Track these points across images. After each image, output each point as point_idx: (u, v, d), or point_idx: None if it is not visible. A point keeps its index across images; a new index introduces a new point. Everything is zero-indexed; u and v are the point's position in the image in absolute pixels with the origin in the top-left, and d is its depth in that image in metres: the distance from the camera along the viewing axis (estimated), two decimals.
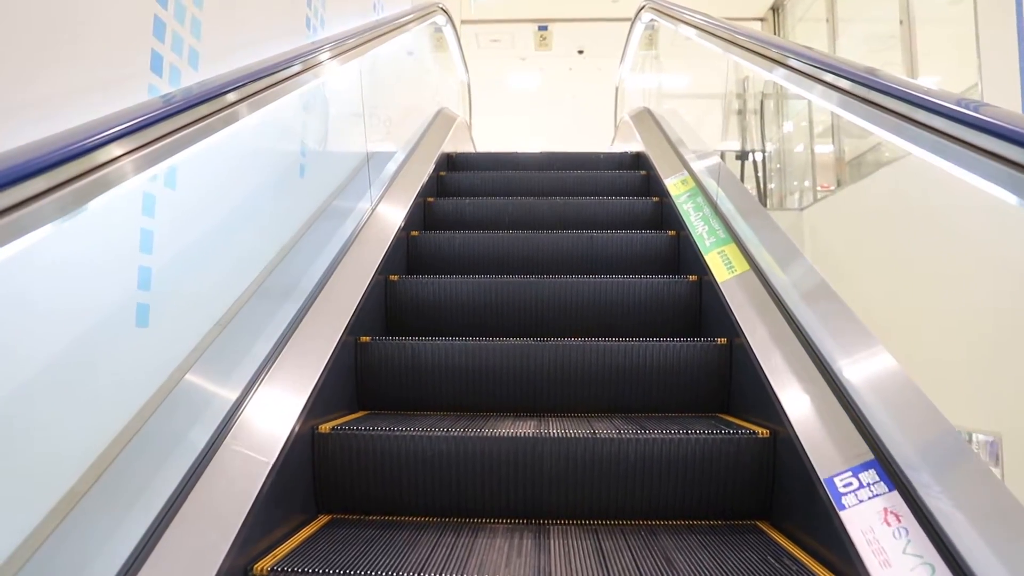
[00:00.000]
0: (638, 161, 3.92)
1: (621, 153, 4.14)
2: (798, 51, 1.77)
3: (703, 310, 2.30)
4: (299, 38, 2.17)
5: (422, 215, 3.11)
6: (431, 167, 3.46)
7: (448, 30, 4.91)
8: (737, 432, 1.56)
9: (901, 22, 4.80)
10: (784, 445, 1.48)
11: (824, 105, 1.62)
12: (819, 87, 1.61)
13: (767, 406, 1.59)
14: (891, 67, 4.78)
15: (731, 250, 2.23)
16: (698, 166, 3.01)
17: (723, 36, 2.44)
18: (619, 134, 5.55)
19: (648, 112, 4.49)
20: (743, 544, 1.38)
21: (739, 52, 2.26)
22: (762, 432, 1.55)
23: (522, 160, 4.11)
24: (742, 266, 2.12)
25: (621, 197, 3.17)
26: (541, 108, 10.93)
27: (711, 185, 2.69)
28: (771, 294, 1.89)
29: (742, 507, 1.55)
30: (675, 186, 2.98)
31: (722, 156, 5.74)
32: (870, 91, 1.37)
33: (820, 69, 1.60)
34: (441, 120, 4.48)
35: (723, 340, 1.96)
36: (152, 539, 1.09)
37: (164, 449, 1.25)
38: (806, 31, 7.31)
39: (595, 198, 3.14)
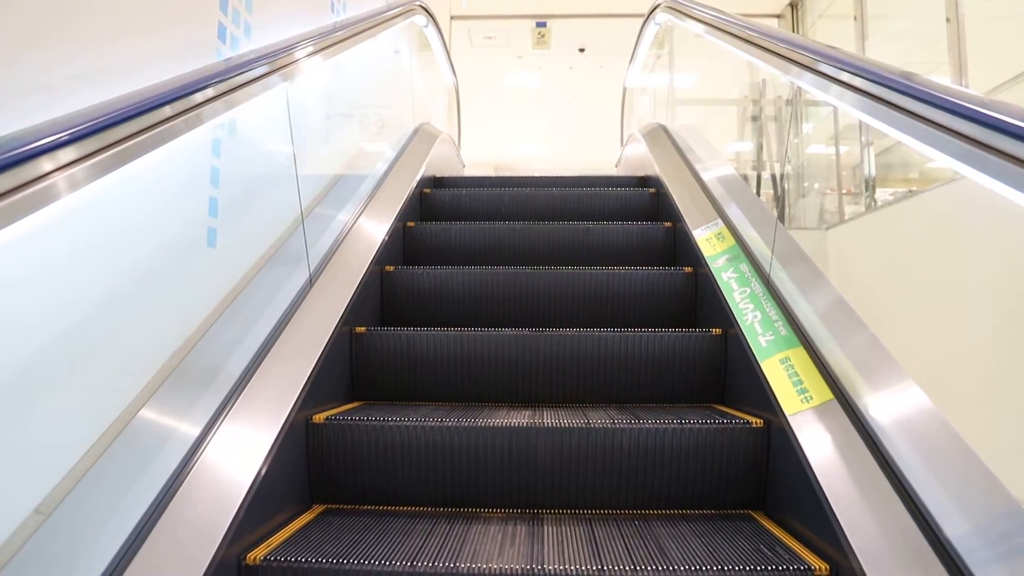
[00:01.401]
0: (664, 219, 2.93)
1: (644, 214, 3.12)
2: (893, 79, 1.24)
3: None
4: (206, 54, 1.64)
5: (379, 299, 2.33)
6: (400, 206, 2.73)
7: (431, 31, 4.36)
8: (731, 422, 1.56)
9: (948, 20, 4.15)
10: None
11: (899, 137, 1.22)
12: (913, 122, 1.16)
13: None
14: (929, 69, 4.36)
15: (799, 358, 1.58)
16: (737, 214, 2.31)
17: (763, 45, 1.91)
18: (627, 154, 4.75)
19: (664, 131, 3.71)
20: (736, 533, 1.38)
21: (796, 70, 1.69)
22: (756, 422, 1.56)
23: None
24: (821, 392, 1.46)
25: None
26: (540, 109, 10.73)
27: (758, 246, 2.04)
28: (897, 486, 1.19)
29: (736, 497, 1.56)
30: (708, 241, 2.29)
31: (748, 180, 5.02)
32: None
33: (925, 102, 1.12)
34: (419, 141, 3.71)
35: (718, 330, 1.96)
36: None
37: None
38: (827, 29, 6.75)
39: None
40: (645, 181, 3.49)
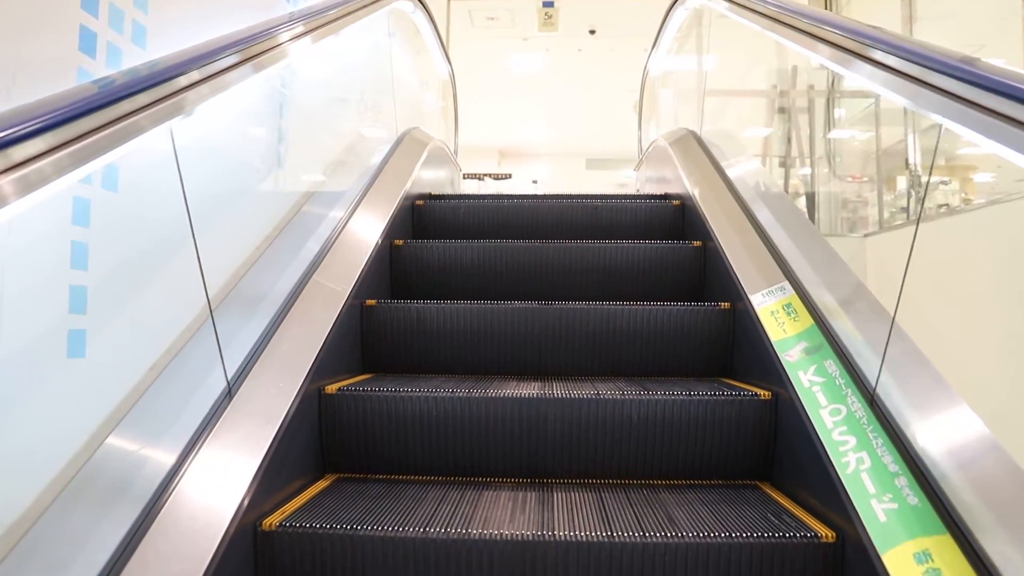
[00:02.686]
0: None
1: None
2: None
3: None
4: (56, 76, 1.12)
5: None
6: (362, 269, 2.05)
7: (420, 17, 3.86)
8: (739, 394, 1.57)
9: None
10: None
11: None
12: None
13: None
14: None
15: (949, 558, 0.99)
16: (806, 271, 1.74)
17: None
18: (648, 167, 4.12)
19: (697, 143, 3.00)
20: (744, 502, 1.40)
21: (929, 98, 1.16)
22: (764, 394, 1.57)
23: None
24: None
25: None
26: (547, 94, 10.58)
27: (845, 329, 1.48)
28: None
29: (743, 468, 1.57)
30: (774, 317, 1.66)
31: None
32: None
33: None
34: (403, 154, 3.04)
35: (726, 304, 1.97)
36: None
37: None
38: (864, 9, 6.17)
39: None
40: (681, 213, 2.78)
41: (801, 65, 4.76)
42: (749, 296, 1.81)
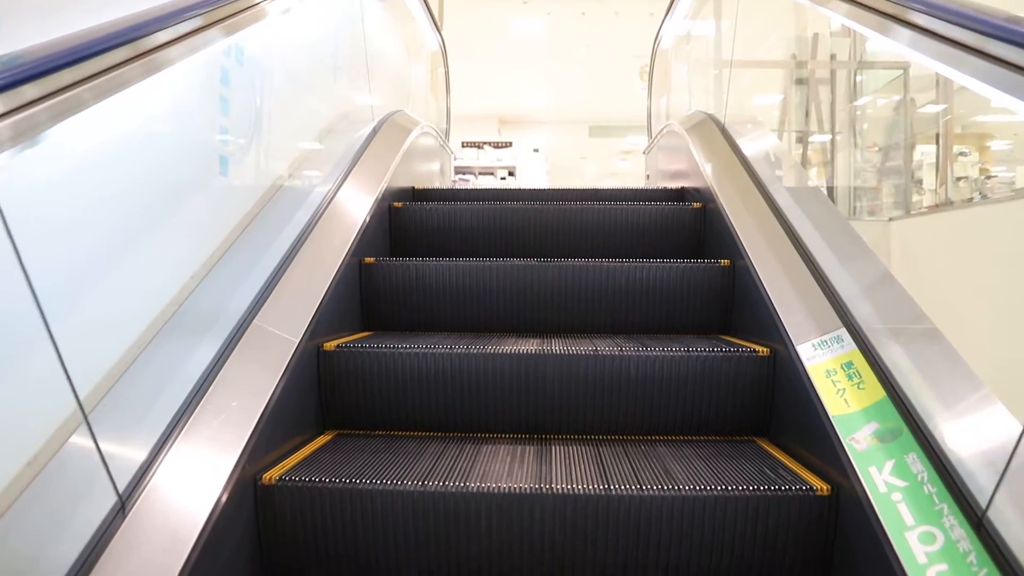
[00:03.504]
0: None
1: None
2: None
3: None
4: None
5: None
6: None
7: None
8: (737, 350, 1.57)
9: None
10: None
11: None
12: None
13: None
14: None
15: None
16: (870, 319, 1.32)
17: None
18: (662, 150, 3.70)
19: (727, 145, 2.49)
20: (740, 456, 1.41)
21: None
22: (762, 351, 1.57)
23: None
24: None
25: None
26: (547, 61, 10.40)
27: (944, 424, 1.03)
28: None
29: (741, 424, 1.58)
30: (829, 379, 1.29)
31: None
32: None
33: None
34: (382, 141, 2.66)
35: (726, 261, 1.96)
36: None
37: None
38: None
39: None
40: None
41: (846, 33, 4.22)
42: (796, 345, 1.44)
